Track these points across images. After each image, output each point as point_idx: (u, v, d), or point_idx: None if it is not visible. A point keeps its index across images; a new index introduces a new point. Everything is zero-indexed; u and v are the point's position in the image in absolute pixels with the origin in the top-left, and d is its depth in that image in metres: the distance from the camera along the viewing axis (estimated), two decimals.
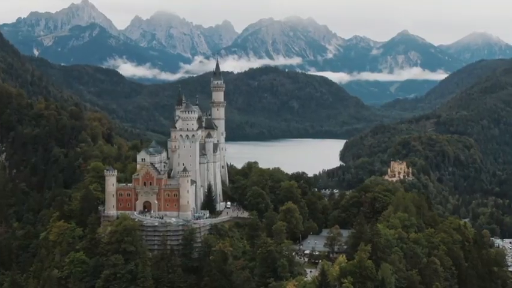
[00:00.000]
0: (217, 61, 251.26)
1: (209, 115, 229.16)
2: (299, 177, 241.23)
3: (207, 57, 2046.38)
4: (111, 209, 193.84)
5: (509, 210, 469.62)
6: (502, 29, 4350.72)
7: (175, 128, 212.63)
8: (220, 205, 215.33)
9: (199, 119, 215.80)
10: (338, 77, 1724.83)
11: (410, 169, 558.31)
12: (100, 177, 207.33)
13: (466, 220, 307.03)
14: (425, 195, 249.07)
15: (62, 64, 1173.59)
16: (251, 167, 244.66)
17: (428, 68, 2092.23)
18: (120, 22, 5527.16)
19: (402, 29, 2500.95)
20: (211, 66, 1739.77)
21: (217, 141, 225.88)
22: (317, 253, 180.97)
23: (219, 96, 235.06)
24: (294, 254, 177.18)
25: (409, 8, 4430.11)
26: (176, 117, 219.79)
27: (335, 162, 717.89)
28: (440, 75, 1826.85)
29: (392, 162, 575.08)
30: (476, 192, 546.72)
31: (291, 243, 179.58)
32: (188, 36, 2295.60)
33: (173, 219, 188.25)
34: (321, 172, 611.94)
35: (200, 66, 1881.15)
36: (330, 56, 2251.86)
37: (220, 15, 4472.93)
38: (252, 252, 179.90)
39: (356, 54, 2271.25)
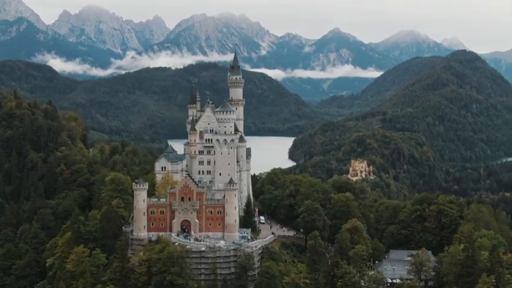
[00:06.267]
0: (235, 54, 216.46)
1: None
2: (342, 186, 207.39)
3: (139, 53, 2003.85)
4: (142, 230, 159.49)
5: None
6: (429, 27, 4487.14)
7: (195, 130, 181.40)
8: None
9: None
10: (273, 74, 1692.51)
11: (371, 167, 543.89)
12: (121, 191, 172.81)
13: None
14: (494, 207, 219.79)
15: None
16: (278, 174, 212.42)
17: (359, 66, 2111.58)
18: (48, 17, 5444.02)
19: (333, 27, 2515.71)
20: (143, 62, 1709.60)
21: None
22: (401, 282, 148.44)
23: (237, 93, 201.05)
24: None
25: (340, 6, 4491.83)
26: (195, 117, 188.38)
27: (284, 160, 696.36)
28: (371, 73, 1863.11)
29: (352, 161, 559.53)
30: (434, 190, 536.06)
31: (381, 274, 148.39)
32: (119, 31, 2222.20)
33: (222, 242, 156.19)
34: None
35: (132, 61, 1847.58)
36: (263, 53, 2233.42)
37: (151, 11, 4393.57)
38: (315, 280, 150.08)
39: (288, 52, 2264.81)
